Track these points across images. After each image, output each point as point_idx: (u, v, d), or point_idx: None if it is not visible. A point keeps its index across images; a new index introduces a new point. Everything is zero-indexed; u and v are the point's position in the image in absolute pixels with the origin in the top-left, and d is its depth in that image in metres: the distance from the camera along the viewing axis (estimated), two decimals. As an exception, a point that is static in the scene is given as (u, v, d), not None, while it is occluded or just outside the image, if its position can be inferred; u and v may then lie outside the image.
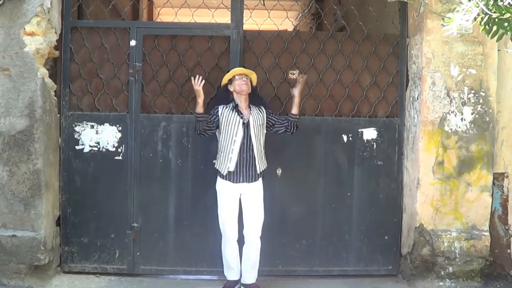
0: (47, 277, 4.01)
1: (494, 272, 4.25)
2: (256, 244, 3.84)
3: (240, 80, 3.77)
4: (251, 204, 3.81)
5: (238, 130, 3.73)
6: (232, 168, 3.74)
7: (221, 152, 3.80)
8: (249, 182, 3.77)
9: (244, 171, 3.76)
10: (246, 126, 3.75)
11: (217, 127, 3.80)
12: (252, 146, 3.75)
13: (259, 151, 3.79)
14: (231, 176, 3.76)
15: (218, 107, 3.83)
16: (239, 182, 3.76)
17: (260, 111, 3.87)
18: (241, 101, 3.80)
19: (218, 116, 3.79)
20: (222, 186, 3.81)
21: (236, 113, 3.77)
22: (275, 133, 3.95)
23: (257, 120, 3.80)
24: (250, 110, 3.81)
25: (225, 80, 3.84)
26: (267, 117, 3.90)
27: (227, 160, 3.75)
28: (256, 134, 3.76)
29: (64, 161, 4.16)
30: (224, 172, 3.76)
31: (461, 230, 4.09)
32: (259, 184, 3.83)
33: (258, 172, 3.79)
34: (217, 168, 3.83)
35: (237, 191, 3.78)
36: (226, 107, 3.80)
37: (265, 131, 3.89)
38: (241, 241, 3.87)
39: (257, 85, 3.99)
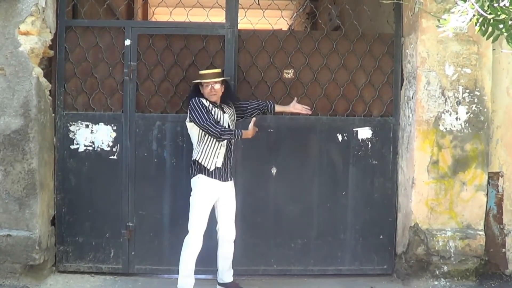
0: (42, 277, 4.01)
1: (489, 271, 4.26)
2: (231, 247, 3.83)
3: (207, 88, 3.65)
4: (229, 204, 3.78)
5: (227, 124, 3.68)
6: (219, 164, 3.65)
7: (208, 146, 3.63)
8: (231, 179, 3.78)
9: (228, 168, 3.73)
10: (232, 122, 3.74)
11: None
12: (231, 141, 3.74)
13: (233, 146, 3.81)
14: (218, 174, 3.66)
15: (201, 100, 3.64)
16: (226, 180, 3.71)
17: (230, 106, 3.80)
18: (215, 101, 3.71)
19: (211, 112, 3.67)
20: (206, 184, 3.65)
21: (218, 109, 3.68)
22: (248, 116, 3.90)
23: (232, 116, 3.78)
24: (224, 104, 3.77)
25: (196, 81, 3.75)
26: (236, 107, 3.85)
27: (215, 155, 3.64)
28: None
29: (59, 160, 4.16)
30: (212, 167, 3.64)
31: (456, 230, 4.09)
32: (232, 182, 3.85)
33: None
34: (201, 163, 3.64)
35: (218, 191, 3.70)
36: (206, 100, 3.66)
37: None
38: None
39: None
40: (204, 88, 3.67)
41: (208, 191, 3.67)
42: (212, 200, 3.71)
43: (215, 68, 3.90)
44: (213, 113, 3.63)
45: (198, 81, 3.71)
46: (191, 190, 4.14)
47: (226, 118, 3.69)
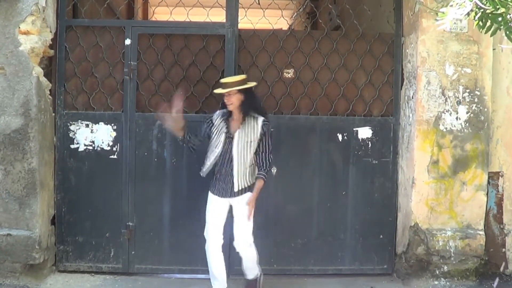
0: (42, 276, 4.01)
1: (489, 271, 4.25)
2: (244, 255, 3.72)
3: (224, 97, 3.57)
4: (237, 217, 3.67)
5: (220, 141, 3.58)
6: (204, 174, 3.65)
7: (206, 157, 3.69)
8: (228, 197, 3.61)
9: (222, 185, 3.61)
10: (230, 139, 3.57)
11: (208, 137, 3.67)
12: (232, 162, 3.56)
13: (241, 169, 3.57)
14: (216, 189, 3.65)
15: (214, 115, 3.68)
16: (219, 195, 3.63)
17: (255, 126, 3.59)
18: (233, 113, 3.61)
19: (211, 124, 3.65)
20: (209, 196, 3.70)
21: (225, 123, 3.61)
22: None
23: (245, 136, 3.57)
24: (244, 122, 3.58)
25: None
26: (259, 138, 3.60)
27: (204, 165, 3.66)
28: (239, 150, 3.55)
29: (59, 160, 4.16)
30: (202, 174, 3.67)
31: (456, 229, 4.09)
32: (245, 197, 3.60)
33: (236, 190, 3.57)
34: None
35: (223, 203, 3.65)
36: (223, 114, 3.64)
37: (255, 148, 3.60)
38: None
39: (253, 87, 3.76)
40: (224, 97, 3.60)
41: (210, 203, 3.70)
42: (215, 211, 3.66)
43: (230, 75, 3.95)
44: (216, 126, 3.62)
45: (216, 91, 3.67)
46: (191, 190, 4.19)
47: (225, 137, 3.57)
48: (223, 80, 3.65)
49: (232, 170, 3.58)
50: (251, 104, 3.60)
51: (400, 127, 4.28)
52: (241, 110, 3.58)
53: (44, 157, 3.99)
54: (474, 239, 4.05)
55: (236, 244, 3.70)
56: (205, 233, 3.69)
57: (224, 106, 3.64)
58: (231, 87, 3.53)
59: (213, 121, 3.67)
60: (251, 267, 3.82)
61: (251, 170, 3.63)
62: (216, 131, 3.63)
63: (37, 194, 3.91)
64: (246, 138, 3.57)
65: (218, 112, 3.71)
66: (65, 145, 4.17)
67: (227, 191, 3.61)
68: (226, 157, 3.59)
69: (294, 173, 4.26)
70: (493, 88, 4.12)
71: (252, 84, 3.69)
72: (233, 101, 3.55)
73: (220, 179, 3.62)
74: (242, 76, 3.66)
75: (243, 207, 3.61)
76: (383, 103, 4.31)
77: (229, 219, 3.71)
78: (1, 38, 3.85)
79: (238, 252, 3.73)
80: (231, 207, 3.69)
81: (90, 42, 4.19)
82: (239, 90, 3.55)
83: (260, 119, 3.61)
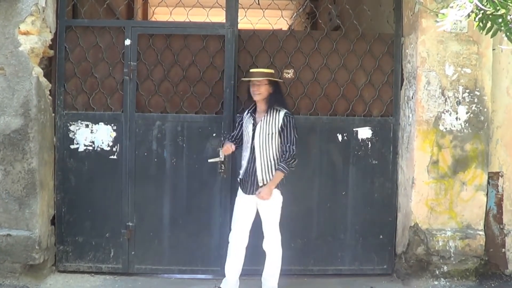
0: (42, 276, 4.01)
1: (489, 271, 4.25)
2: (270, 254, 3.70)
3: (252, 87, 3.64)
4: (261, 215, 3.66)
5: (248, 132, 3.64)
6: (241, 175, 3.68)
7: (242, 157, 3.74)
8: (253, 193, 3.60)
9: (247, 179, 3.63)
10: (253, 131, 3.62)
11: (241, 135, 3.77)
12: (255, 154, 3.60)
13: (264, 161, 3.58)
14: (241, 184, 3.69)
15: (242, 115, 3.82)
16: (248, 193, 3.63)
17: (277, 118, 3.61)
18: (258, 104, 3.68)
19: (241, 122, 3.78)
20: (238, 190, 3.74)
21: (252, 118, 3.67)
22: None
23: (267, 128, 3.59)
24: (267, 114, 3.62)
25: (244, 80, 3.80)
26: (280, 130, 3.60)
27: (241, 166, 3.71)
28: (261, 142, 3.58)
29: (59, 160, 4.16)
30: (238, 178, 3.74)
31: (456, 229, 4.09)
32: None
33: (261, 184, 3.58)
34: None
35: (249, 200, 3.65)
36: (249, 109, 3.74)
37: (277, 140, 3.60)
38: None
39: (278, 82, 3.74)
40: (251, 86, 3.67)
41: (237, 199, 3.73)
42: (241, 208, 3.68)
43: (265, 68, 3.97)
44: (243, 123, 3.73)
45: (244, 79, 3.79)
46: (191, 190, 4.19)
47: (252, 129, 3.63)
48: (253, 70, 3.73)
49: (255, 163, 3.60)
50: (277, 98, 3.66)
51: (400, 127, 4.28)
52: (267, 102, 3.63)
53: (44, 157, 3.99)
54: (474, 239, 4.05)
55: (264, 242, 3.69)
56: (232, 225, 3.71)
57: (249, 97, 3.71)
58: (263, 77, 3.61)
59: (242, 119, 3.77)
60: (273, 274, 3.73)
61: (276, 164, 3.61)
62: (244, 127, 3.71)
63: (37, 194, 3.91)
64: (268, 130, 3.60)
65: (244, 113, 3.80)
66: (65, 145, 4.16)
67: (253, 186, 3.60)
68: (251, 150, 3.62)
69: (294, 173, 4.21)
70: (493, 88, 4.12)
71: (280, 80, 3.80)
72: (262, 91, 3.61)
73: (246, 174, 3.64)
74: (271, 70, 3.78)
75: (267, 204, 3.61)
76: (383, 103, 4.31)
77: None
78: (1, 38, 3.85)
79: (265, 252, 3.71)
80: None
81: (90, 42, 4.19)
82: (269, 82, 3.62)
83: (282, 112, 3.64)
